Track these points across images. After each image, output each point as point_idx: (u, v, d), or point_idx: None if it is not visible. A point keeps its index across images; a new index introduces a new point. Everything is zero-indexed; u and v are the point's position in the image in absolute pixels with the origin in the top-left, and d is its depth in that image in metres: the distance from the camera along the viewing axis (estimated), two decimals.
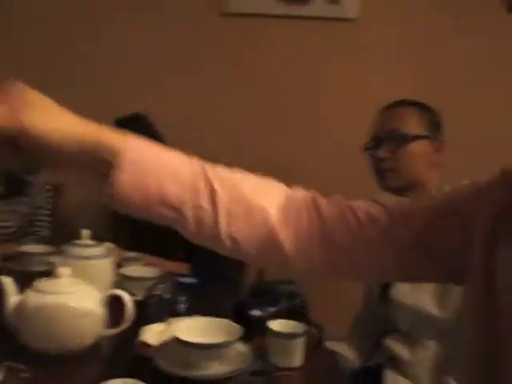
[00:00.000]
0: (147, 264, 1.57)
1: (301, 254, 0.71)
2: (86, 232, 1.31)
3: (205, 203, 0.66)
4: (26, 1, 2.60)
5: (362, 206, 0.74)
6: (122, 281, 1.39)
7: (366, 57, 2.50)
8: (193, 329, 1.08)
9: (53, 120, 0.59)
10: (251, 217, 0.69)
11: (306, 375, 1.09)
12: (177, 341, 1.03)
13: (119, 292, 1.13)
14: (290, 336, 1.09)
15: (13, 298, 1.06)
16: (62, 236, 1.73)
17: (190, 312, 1.25)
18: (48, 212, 1.97)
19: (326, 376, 1.12)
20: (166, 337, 1.11)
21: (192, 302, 1.32)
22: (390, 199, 0.83)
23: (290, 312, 1.22)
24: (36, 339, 1.04)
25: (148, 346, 1.09)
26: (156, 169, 0.64)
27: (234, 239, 0.68)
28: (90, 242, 1.30)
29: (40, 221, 1.91)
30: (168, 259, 1.69)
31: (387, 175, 1.46)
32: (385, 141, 1.45)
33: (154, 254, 1.68)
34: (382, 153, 1.44)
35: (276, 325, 1.11)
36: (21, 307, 1.06)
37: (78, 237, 1.33)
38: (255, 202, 0.69)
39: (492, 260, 0.62)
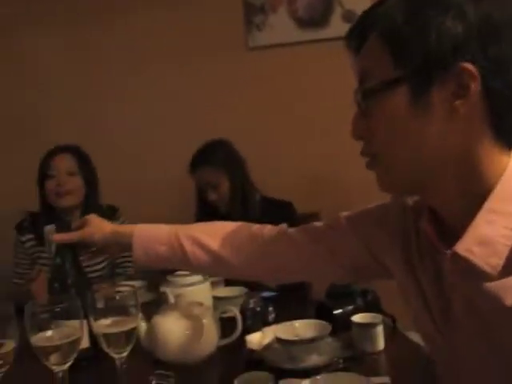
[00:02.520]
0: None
1: (246, 267, 1.10)
2: None
3: (179, 251, 1.12)
4: None
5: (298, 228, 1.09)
6: (215, 301, 1.62)
7: None
8: (287, 331, 1.30)
9: (99, 229, 1.18)
10: (204, 250, 1.11)
11: (389, 357, 1.30)
12: (280, 341, 1.26)
13: (234, 310, 1.40)
14: (372, 325, 1.30)
15: (142, 324, 1.31)
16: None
17: (278, 320, 1.47)
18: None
19: (406, 357, 1.31)
20: (266, 341, 1.33)
21: (278, 311, 1.54)
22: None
23: (365, 307, 1.43)
24: (171, 354, 1.29)
25: (252, 351, 1.32)
26: (150, 240, 1.13)
27: (200, 266, 1.13)
28: (184, 272, 1.52)
29: (125, 262, 2.16)
30: None
31: None
32: None
33: None
34: None
35: (358, 318, 1.33)
36: (154, 332, 1.31)
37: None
38: (206, 242, 1.12)
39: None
